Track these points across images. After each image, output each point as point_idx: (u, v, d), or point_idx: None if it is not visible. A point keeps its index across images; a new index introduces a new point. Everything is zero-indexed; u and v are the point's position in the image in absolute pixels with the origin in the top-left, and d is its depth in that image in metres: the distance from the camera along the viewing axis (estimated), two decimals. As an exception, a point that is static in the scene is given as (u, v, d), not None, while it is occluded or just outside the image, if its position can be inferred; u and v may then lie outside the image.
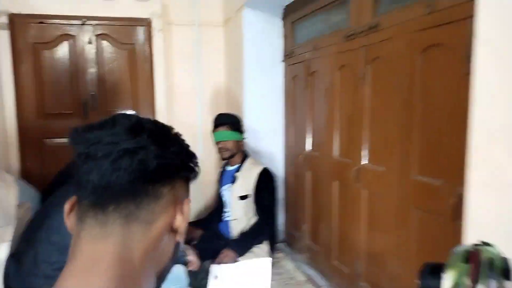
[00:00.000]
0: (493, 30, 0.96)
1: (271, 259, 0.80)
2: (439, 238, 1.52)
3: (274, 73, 2.92)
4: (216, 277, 0.76)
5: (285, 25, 2.85)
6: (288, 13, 2.79)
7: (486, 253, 0.66)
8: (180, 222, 0.53)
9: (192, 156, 0.57)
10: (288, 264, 2.62)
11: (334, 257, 2.32)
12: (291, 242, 2.94)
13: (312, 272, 2.51)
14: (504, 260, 0.66)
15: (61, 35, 2.86)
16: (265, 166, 2.53)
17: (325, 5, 2.29)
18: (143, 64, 3.06)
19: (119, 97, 3.05)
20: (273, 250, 2.59)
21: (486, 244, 0.69)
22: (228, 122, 2.49)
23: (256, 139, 2.95)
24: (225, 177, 2.64)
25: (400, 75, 1.66)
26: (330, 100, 2.27)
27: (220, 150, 2.51)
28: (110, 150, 0.48)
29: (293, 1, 2.65)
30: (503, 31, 0.92)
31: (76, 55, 2.89)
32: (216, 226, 2.64)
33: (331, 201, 2.32)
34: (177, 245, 0.55)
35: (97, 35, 2.93)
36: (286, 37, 2.85)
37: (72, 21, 2.86)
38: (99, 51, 2.95)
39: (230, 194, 2.54)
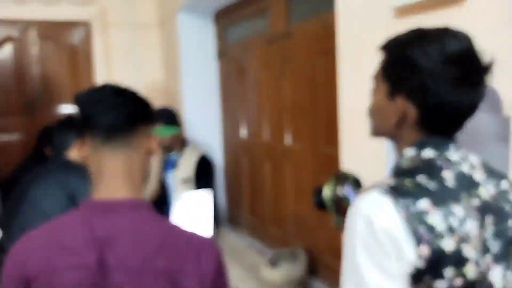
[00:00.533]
0: (348, 43, 1.45)
1: (211, 190, 1.16)
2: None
3: (209, 71, 3.29)
4: (180, 198, 1.09)
5: (217, 28, 3.24)
6: (219, 17, 3.17)
7: (342, 172, 1.14)
8: (153, 146, 0.88)
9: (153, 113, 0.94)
10: (231, 237, 3.03)
11: (269, 225, 2.79)
12: (233, 219, 3.35)
13: (252, 240, 2.96)
14: (356, 177, 1.12)
15: (6, 38, 2.97)
16: (203, 153, 2.88)
17: (250, 13, 2.72)
18: (84, 63, 3.27)
19: (62, 95, 3.22)
20: (216, 226, 2.99)
21: (346, 172, 1.16)
22: (162, 118, 2.68)
23: (195, 131, 3.31)
24: (168, 164, 2.97)
25: (306, 72, 2.15)
26: (258, 94, 2.72)
27: (159, 145, 2.81)
28: (111, 104, 0.83)
29: (223, 8, 3.04)
30: (354, 44, 1.41)
31: (20, 56, 3.03)
32: (160, 209, 2.95)
33: (264, 179, 2.78)
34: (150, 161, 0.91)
35: (40, 37, 3.08)
36: (218, 38, 3.24)
37: (15, 24, 2.98)
38: (42, 52, 3.10)
39: (174, 179, 2.87)
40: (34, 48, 3.07)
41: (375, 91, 0.83)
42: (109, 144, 0.82)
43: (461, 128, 0.77)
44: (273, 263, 2.28)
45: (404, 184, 0.71)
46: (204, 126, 3.34)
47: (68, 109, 3.23)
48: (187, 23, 3.15)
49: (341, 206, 1.06)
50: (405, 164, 0.77)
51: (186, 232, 0.82)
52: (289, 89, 2.37)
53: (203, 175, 2.81)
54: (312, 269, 2.27)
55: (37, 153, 2.58)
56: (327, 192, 1.07)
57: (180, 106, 3.29)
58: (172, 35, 3.26)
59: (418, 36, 0.75)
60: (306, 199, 2.33)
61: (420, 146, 0.76)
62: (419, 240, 0.66)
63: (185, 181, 2.81)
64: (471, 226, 0.69)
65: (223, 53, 3.17)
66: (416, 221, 0.67)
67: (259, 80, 2.70)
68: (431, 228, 0.67)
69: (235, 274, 2.37)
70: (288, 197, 2.52)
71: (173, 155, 2.92)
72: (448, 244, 0.66)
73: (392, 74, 0.77)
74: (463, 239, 0.67)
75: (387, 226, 0.67)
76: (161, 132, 2.74)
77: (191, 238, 0.80)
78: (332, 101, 1.94)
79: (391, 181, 0.73)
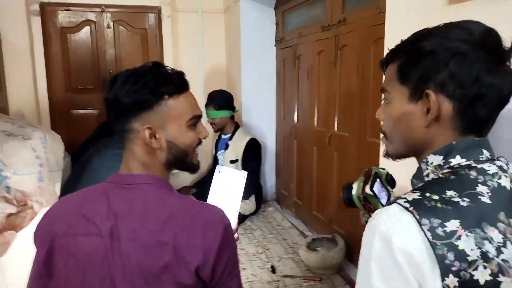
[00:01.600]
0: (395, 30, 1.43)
1: (246, 172, 1.20)
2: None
3: (267, 56, 3.38)
4: (219, 171, 1.13)
5: (276, 14, 3.30)
6: (279, 3, 3.22)
7: (375, 169, 1.06)
8: (147, 139, 0.86)
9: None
10: (278, 216, 3.14)
11: (314, 209, 2.84)
12: (281, 200, 3.46)
13: (296, 221, 3.04)
14: (390, 175, 1.06)
15: (84, 21, 3.32)
16: (252, 136, 3.01)
17: (308, 0, 2.74)
18: (154, 46, 3.52)
19: (133, 75, 3.51)
20: (259, 204, 3.13)
21: (380, 168, 1.09)
22: (214, 102, 2.93)
23: (251, 114, 3.43)
24: (220, 144, 3.15)
25: (359, 60, 2.14)
26: (312, 80, 2.75)
27: (210, 124, 3.01)
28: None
29: (283, -6, 3.08)
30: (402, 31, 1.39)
31: (96, 38, 3.35)
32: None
33: (312, 164, 2.82)
34: (175, 149, 0.90)
35: (114, 21, 3.39)
36: (277, 24, 3.30)
37: (93, 8, 3.31)
38: (116, 35, 3.41)
39: (223, 158, 3.05)
40: (109, 31, 3.37)
41: (390, 101, 0.75)
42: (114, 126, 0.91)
43: (494, 122, 0.69)
44: (312, 246, 2.34)
45: (430, 199, 0.61)
46: (260, 110, 3.45)
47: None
48: (249, 10, 3.25)
49: (369, 204, 1.00)
50: (431, 173, 0.68)
51: (195, 206, 0.83)
52: (341, 77, 2.37)
53: (251, 157, 2.95)
54: (350, 256, 2.29)
55: (106, 126, 2.88)
56: (355, 188, 1.02)
57: (238, 90, 3.42)
58: (235, 21, 3.38)
59: (429, 30, 0.70)
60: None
61: (448, 151, 0.67)
62: (446, 269, 0.56)
63: (233, 162, 2.97)
64: (511, 253, 0.58)
65: (281, 39, 3.22)
66: (443, 246, 0.56)
67: (312, 67, 2.72)
68: (462, 256, 0.56)
69: (274, 251, 2.48)
70: (333, 183, 2.55)
71: (224, 137, 3.09)
72: (482, 276, 0.56)
73: (411, 72, 0.69)
74: (501, 270, 0.57)
75: (408, 249, 0.57)
76: (213, 115, 2.92)
77: (199, 213, 0.81)
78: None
79: (415, 194, 0.63)
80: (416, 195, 0.62)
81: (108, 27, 3.37)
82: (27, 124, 1.86)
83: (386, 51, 1.47)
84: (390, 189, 1.05)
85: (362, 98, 2.14)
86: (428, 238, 0.57)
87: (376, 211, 0.64)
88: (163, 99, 0.86)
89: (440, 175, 0.66)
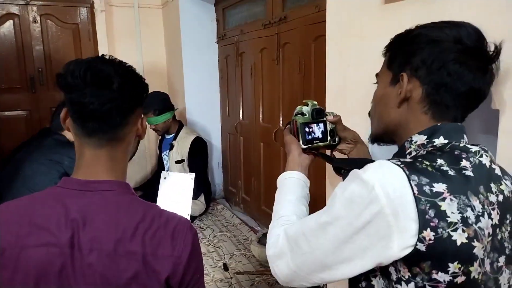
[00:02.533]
0: (335, 27, 1.49)
1: (193, 174, 1.19)
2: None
3: (209, 53, 3.34)
4: (165, 178, 1.11)
5: (217, 11, 3.27)
6: (219, 0, 3.20)
7: (296, 119, 1.03)
8: (141, 131, 0.87)
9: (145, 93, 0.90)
10: (227, 213, 3.13)
11: (262, 204, 2.88)
12: (230, 197, 3.45)
13: (245, 217, 3.06)
14: (315, 109, 1.00)
15: (6, 14, 3.02)
16: (197, 135, 2.96)
17: (249, -3, 2.75)
18: (87, 42, 3.31)
19: (65, 73, 3.28)
20: (209, 203, 3.11)
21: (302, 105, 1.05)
22: (153, 107, 2.76)
23: (195, 112, 3.38)
24: (164, 145, 3.07)
25: (300, 57, 2.20)
26: (255, 77, 2.77)
27: (154, 130, 2.90)
28: (105, 92, 0.77)
29: (223, -10, 3.06)
30: (341, 29, 1.46)
31: (21, 33, 3.07)
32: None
33: (259, 160, 2.85)
34: (138, 140, 0.93)
35: (42, 15, 3.13)
36: (218, 21, 3.28)
37: (16, 1, 3.02)
38: (44, 30, 3.15)
39: (168, 159, 2.97)
40: (35, 26, 3.11)
41: (378, 85, 0.82)
42: (96, 133, 0.79)
43: (465, 112, 0.74)
44: (263, 241, 2.37)
45: (421, 163, 0.64)
46: (204, 107, 3.41)
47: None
48: (188, 5, 3.18)
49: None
50: (413, 151, 0.73)
51: (163, 215, 0.80)
52: (283, 73, 2.42)
53: (196, 156, 2.90)
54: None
55: (44, 130, 2.65)
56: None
57: (180, 88, 3.35)
58: (174, 17, 3.29)
59: (417, 26, 0.76)
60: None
61: (433, 132, 0.71)
62: (425, 223, 0.59)
63: (179, 162, 2.91)
64: (487, 223, 0.63)
65: (223, 36, 3.20)
66: (427, 203, 0.60)
67: (255, 64, 2.75)
68: (442, 215, 0.60)
69: (225, 249, 2.47)
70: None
71: (168, 137, 3.01)
72: (460, 237, 0.59)
73: (396, 58, 0.77)
74: (477, 236, 0.61)
75: (396, 193, 0.60)
76: (155, 121, 2.81)
77: (167, 222, 0.79)
78: (323, 86, 2.00)
79: (405, 159, 0.67)
80: (407, 159, 0.66)
81: (35, 21, 3.10)
82: None
83: (328, 48, 1.54)
84: (321, 119, 1.03)
85: (305, 94, 2.20)
86: (414, 192, 0.60)
87: (367, 165, 0.66)
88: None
89: (426, 150, 0.70)
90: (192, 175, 1.14)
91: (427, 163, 0.64)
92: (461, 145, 0.70)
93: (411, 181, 0.61)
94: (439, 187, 0.61)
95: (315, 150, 1.05)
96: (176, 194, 1.14)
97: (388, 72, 0.79)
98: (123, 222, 0.76)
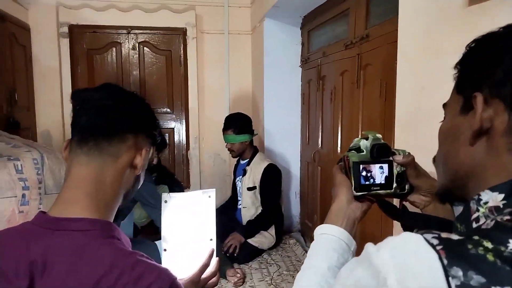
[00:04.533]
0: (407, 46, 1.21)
1: (214, 189, 1.02)
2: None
3: (292, 77, 3.21)
4: (165, 201, 0.98)
5: (302, 34, 3.14)
6: (305, 23, 3.07)
7: (349, 155, 0.78)
8: (138, 161, 0.77)
9: (155, 127, 0.84)
10: (298, 250, 2.88)
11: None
12: (305, 231, 3.20)
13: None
14: (377, 145, 0.75)
15: (110, 43, 3.35)
16: (270, 162, 2.80)
17: (333, 17, 2.55)
18: (178, 68, 3.48)
19: (157, 96, 3.49)
20: (280, 236, 2.88)
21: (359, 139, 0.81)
22: (233, 126, 2.73)
23: (274, 138, 3.25)
24: (238, 170, 2.97)
25: (382, 79, 1.90)
26: (335, 102, 2.53)
27: (229, 150, 2.84)
28: (96, 104, 0.75)
29: (309, 12, 2.92)
30: (413, 47, 1.17)
31: (122, 59, 3.37)
32: (232, 212, 2.97)
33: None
34: (136, 177, 0.81)
35: (140, 42, 3.39)
36: (303, 44, 3.14)
37: (119, 30, 3.34)
38: (141, 56, 3.41)
39: (241, 185, 2.86)
40: (134, 53, 3.38)
41: (445, 118, 0.59)
42: (83, 147, 0.74)
43: None
44: None
45: (478, 244, 0.39)
46: (284, 133, 3.27)
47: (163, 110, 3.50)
48: (274, 30, 3.13)
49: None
50: (482, 217, 0.47)
51: (136, 268, 0.66)
52: (364, 98, 2.13)
53: (269, 184, 2.74)
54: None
55: None
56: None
57: (261, 113, 3.27)
58: (259, 41, 3.27)
59: (490, 32, 0.52)
60: (372, 218, 2.07)
61: None
62: None
63: (251, 189, 2.78)
64: None
65: (306, 59, 3.05)
66: None
67: (335, 87, 2.51)
68: None
69: (290, 286, 2.22)
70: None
71: (243, 162, 2.91)
72: None
73: (466, 77, 0.54)
74: None
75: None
76: (233, 139, 2.76)
77: (140, 278, 0.65)
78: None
79: (454, 235, 0.41)
80: (456, 236, 0.41)
81: (133, 48, 3.38)
82: (25, 144, 1.80)
83: (398, 67, 1.25)
84: (386, 158, 0.77)
85: (386, 121, 1.89)
86: None
87: (388, 237, 0.44)
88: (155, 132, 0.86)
89: (499, 220, 0.43)
90: (212, 191, 0.96)
91: (489, 245, 0.38)
92: None
93: (449, 279, 0.36)
94: None
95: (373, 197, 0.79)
96: (192, 216, 0.96)
97: (458, 97, 0.55)
98: (83, 272, 0.65)
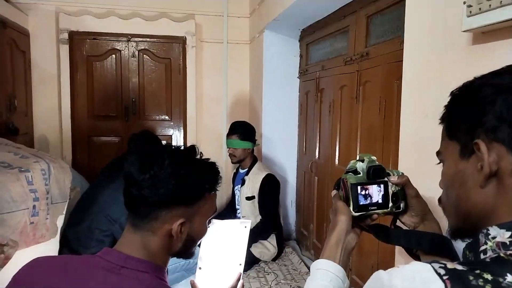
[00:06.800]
0: (412, 68, 1.28)
1: (250, 221, 1.10)
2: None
3: (290, 88, 3.27)
4: (200, 268, 1.06)
5: (301, 46, 3.21)
6: (303, 36, 3.14)
7: (347, 177, 0.83)
8: (174, 232, 0.82)
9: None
10: (294, 258, 2.93)
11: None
12: (301, 240, 3.25)
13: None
14: (372, 167, 0.82)
15: (110, 50, 3.37)
16: (269, 172, 2.84)
17: (332, 32, 2.63)
18: (177, 76, 3.52)
19: (156, 104, 3.52)
20: (281, 247, 2.93)
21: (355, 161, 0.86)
22: (239, 131, 2.80)
23: (272, 147, 3.31)
24: (237, 179, 3.02)
25: (382, 96, 1.98)
26: (333, 115, 2.60)
27: (230, 155, 2.88)
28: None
29: (308, 26, 3.00)
30: (418, 70, 1.24)
31: (121, 66, 3.40)
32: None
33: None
34: (189, 241, 0.86)
35: (140, 50, 3.42)
36: (301, 56, 3.21)
37: (119, 38, 3.37)
38: (140, 64, 3.43)
39: (240, 194, 2.90)
40: (133, 60, 3.41)
41: (444, 164, 0.63)
42: (129, 214, 0.84)
43: None
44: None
45: (478, 277, 0.44)
46: (281, 143, 3.33)
47: (160, 117, 3.53)
48: (273, 41, 3.19)
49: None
50: (489, 250, 0.52)
51: None
52: (363, 113, 2.21)
53: (267, 195, 2.78)
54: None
55: (117, 163, 2.82)
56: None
57: (259, 122, 3.32)
58: (258, 52, 3.32)
59: (476, 78, 0.58)
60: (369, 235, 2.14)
61: None
62: None
63: (250, 198, 2.82)
64: None
65: (304, 71, 3.12)
66: None
67: (334, 101, 2.58)
68: None
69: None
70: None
71: (242, 172, 2.96)
72: None
73: (458, 122, 0.58)
74: None
75: None
76: (237, 144, 2.81)
77: None
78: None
79: (459, 265, 0.47)
80: (460, 266, 0.46)
81: (133, 56, 3.40)
82: (32, 154, 1.83)
83: (403, 93, 1.32)
84: (381, 179, 0.84)
85: (384, 137, 1.96)
86: None
87: (398, 266, 0.49)
88: (204, 196, 0.85)
89: (502, 255, 0.48)
90: (248, 222, 1.04)
91: (488, 277, 0.43)
92: None
93: None
94: None
95: (369, 218, 0.86)
96: (227, 242, 1.04)
97: (452, 143, 0.60)
98: None
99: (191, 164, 0.82)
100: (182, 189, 0.79)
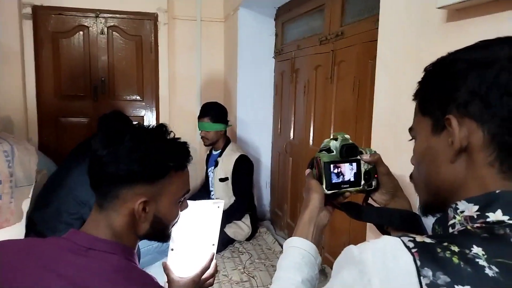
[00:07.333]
0: (387, 47, 1.27)
1: (223, 201, 1.09)
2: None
3: (265, 68, 3.23)
4: (172, 249, 1.04)
5: (276, 25, 3.16)
6: (279, 14, 3.09)
7: (320, 156, 0.85)
8: (137, 213, 0.80)
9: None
10: (269, 238, 2.96)
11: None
12: (275, 220, 3.28)
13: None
14: (345, 145, 0.83)
15: (77, 26, 3.21)
16: (242, 153, 2.82)
17: (308, 11, 2.59)
18: (149, 54, 3.40)
19: (126, 83, 3.40)
20: (256, 227, 2.95)
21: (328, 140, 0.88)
22: (210, 114, 2.73)
23: (247, 128, 3.28)
24: (210, 160, 2.99)
25: (354, 76, 1.98)
26: (308, 95, 2.59)
27: (202, 138, 2.83)
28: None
29: (283, 4, 2.94)
30: (393, 50, 1.24)
31: (89, 44, 3.25)
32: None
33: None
34: (157, 223, 0.83)
35: (109, 27, 3.28)
36: (277, 35, 3.16)
37: (87, 13, 3.20)
38: (109, 41, 3.29)
39: (213, 176, 2.88)
40: (102, 37, 3.26)
41: (416, 140, 0.63)
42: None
43: None
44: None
45: (446, 248, 0.45)
46: (256, 123, 3.30)
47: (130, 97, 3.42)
48: (248, 19, 3.12)
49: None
50: (457, 224, 0.53)
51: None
52: (337, 93, 2.21)
53: (240, 176, 2.77)
54: None
55: (84, 146, 2.73)
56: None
57: (233, 102, 3.28)
58: (233, 30, 3.25)
59: (450, 53, 0.57)
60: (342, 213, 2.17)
61: (488, 201, 0.50)
62: None
63: (223, 180, 2.81)
64: None
65: (280, 51, 3.08)
66: None
67: (309, 81, 2.57)
68: None
69: (260, 280, 2.30)
70: (327, 207, 2.37)
71: (215, 153, 2.93)
72: None
73: (430, 97, 0.58)
74: None
75: None
76: (209, 127, 2.76)
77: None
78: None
79: (428, 238, 0.47)
80: (429, 239, 0.47)
81: (102, 33, 3.26)
82: (-7, 135, 1.73)
83: (378, 71, 1.32)
84: (354, 157, 0.84)
85: (358, 117, 1.97)
86: None
87: (369, 241, 0.50)
88: (169, 173, 0.81)
89: (469, 228, 0.49)
90: (221, 202, 1.03)
91: (455, 249, 0.44)
92: None
93: (421, 278, 0.42)
94: None
95: (341, 196, 0.86)
96: (200, 222, 1.02)
97: (424, 119, 0.59)
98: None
99: (154, 141, 0.80)
100: (142, 165, 0.77)
